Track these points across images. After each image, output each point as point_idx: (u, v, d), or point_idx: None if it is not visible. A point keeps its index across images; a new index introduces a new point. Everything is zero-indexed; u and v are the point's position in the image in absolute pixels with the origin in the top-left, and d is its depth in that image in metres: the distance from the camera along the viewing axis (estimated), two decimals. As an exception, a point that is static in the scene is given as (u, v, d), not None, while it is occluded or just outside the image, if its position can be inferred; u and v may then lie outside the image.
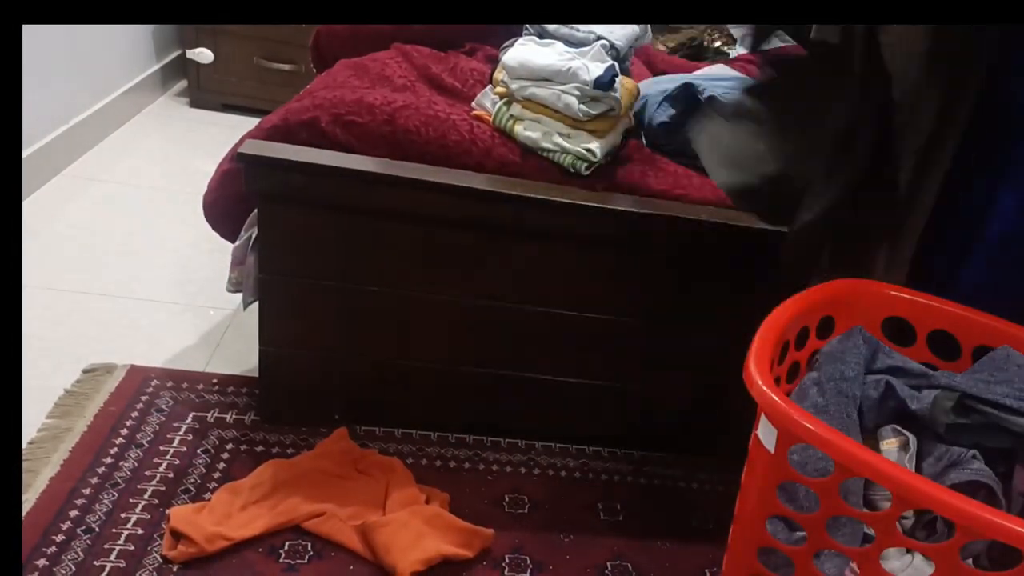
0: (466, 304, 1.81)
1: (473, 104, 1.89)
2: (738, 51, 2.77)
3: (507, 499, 1.82)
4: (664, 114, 1.89)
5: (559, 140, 1.74)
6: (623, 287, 1.83)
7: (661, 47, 2.68)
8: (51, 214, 2.62)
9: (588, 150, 1.73)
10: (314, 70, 2.36)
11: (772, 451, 1.18)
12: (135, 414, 1.85)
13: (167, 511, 1.61)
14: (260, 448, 1.83)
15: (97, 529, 1.57)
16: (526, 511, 1.80)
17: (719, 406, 1.95)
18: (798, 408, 1.11)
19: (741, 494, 1.30)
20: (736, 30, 2.89)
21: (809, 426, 1.09)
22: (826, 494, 1.15)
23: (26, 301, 2.17)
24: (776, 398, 1.13)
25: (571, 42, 1.84)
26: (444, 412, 1.96)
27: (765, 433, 1.19)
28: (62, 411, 1.83)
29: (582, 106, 1.70)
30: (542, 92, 1.73)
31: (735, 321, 1.78)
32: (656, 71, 2.42)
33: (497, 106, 1.80)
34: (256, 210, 1.77)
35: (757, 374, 1.17)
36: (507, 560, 1.67)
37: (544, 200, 1.69)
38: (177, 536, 1.56)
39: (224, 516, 1.61)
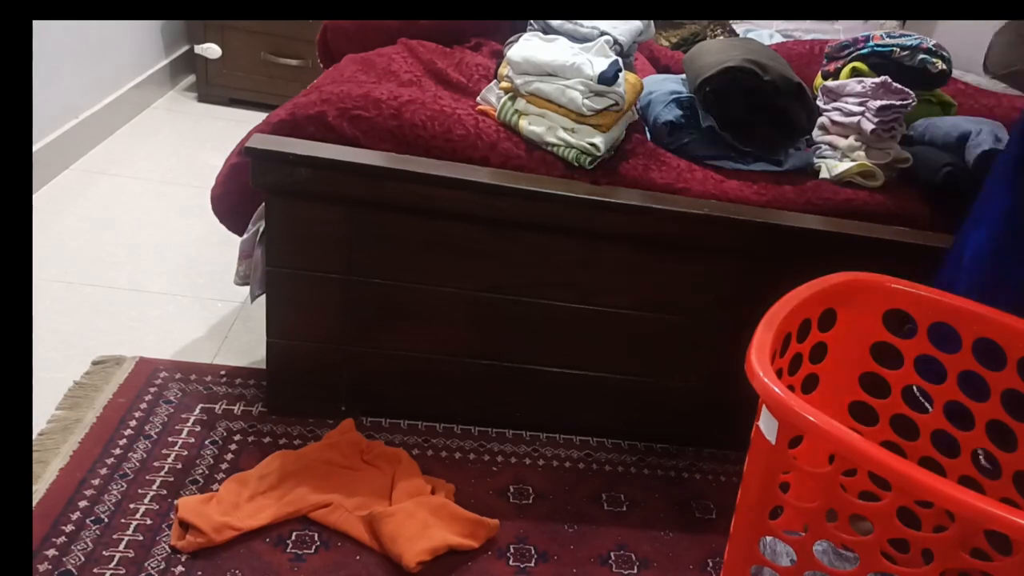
0: (471, 296, 1.82)
1: (478, 99, 1.90)
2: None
3: (512, 490, 1.84)
4: (671, 113, 1.90)
5: (563, 134, 1.75)
6: (626, 280, 1.84)
7: (664, 42, 2.69)
8: (61, 207, 2.64)
9: (592, 144, 1.73)
10: (321, 65, 2.37)
11: (773, 442, 1.19)
12: (144, 406, 1.87)
13: (175, 501, 1.63)
14: (267, 439, 1.85)
15: (106, 519, 1.58)
16: (531, 501, 1.82)
17: (723, 397, 1.96)
18: (799, 400, 1.12)
19: (743, 485, 1.31)
20: (739, 25, 2.90)
21: (810, 418, 1.10)
22: (826, 486, 1.16)
23: (36, 294, 2.19)
24: (777, 390, 1.14)
25: (575, 37, 1.86)
26: (449, 403, 1.97)
27: (766, 424, 1.20)
28: (72, 402, 1.85)
29: (586, 101, 1.71)
30: (546, 87, 1.74)
31: (737, 314, 1.80)
32: (659, 66, 2.43)
33: (502, 101, 1.81)
34: (264, 204, 1.78)
35: (758, 366, 1.18)
36: (512, 550, 1.69)
37: (548, 194, 1.70)
38: (185, 526, 1.57)
39: (232, 506, 1.63)
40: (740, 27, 2.93)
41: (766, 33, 2.88)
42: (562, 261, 1.81)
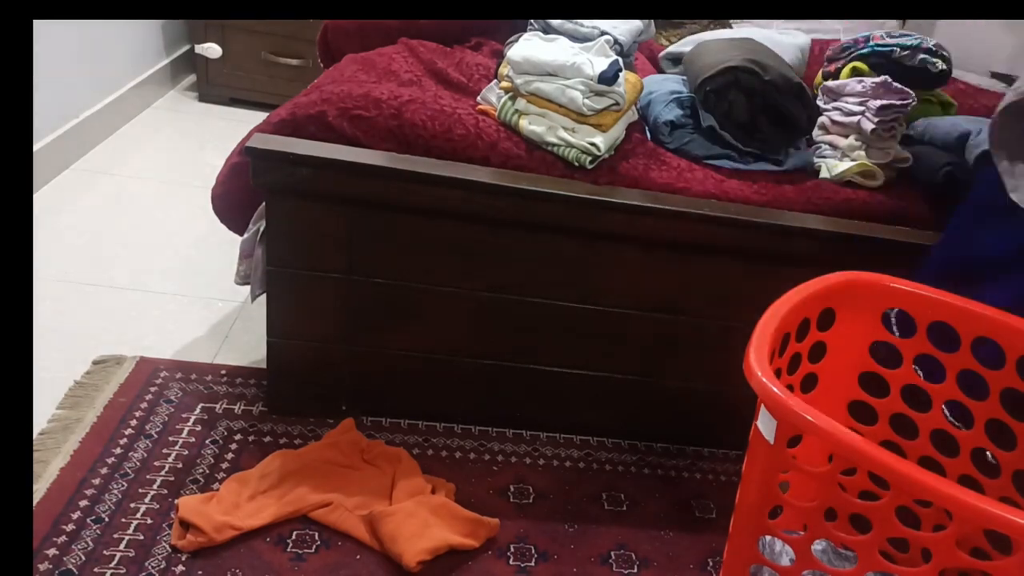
0: (471, 296, 1.83)
1: (478, 99, 1.90)
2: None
3: (512, 489, 1.84)
4: (671, 113, 1.91)
5: (563, 134, 1.75)
6: (626, 280, 1.84)
7: (664, 42, 2.69)
8: (61, 207, 2.64)
9: (592, 144, 1.74)
10: (321, 65, 2.37)
11: (772, 442, 1.19)
12: (144, 405, 1.87)
13: (176, 501, 1.63)
14: (268, 439, 1.85)
15: (107, 519, 1.59)
16: (531, 501, 1.82)
17: (723, 397, 1.96)
18: (798, 400, 1.13)
19: (742, 485, 1.31)
20: (739, 25, 2.89)
21: (808, 417, 1.10)
22: (825, 485, 1.16)
23: (37, 293, 2.19)
24: (776, 389, 1.14)
25: (575, 37, 1.86)
26: (450, 403, 1.98)
27: (765, 424, 1.20)
28: (72, 402, 1.85)
29: (586, 100, 1.71)
30: (547, 87, 1.74)
31: (737, 313, 1.81)
32: (659, 66, 2.43)
33: (502, 100, 1.81)
34: (264, 203, 1.78)
35: (757, 365, 1.18)
36: (512, 549, 1.69)
37: (548, 193, 1.70)
38: (186, 526, 1.58)
39: (232, 506, 1.63)
40: (741, 27, 2.93)
41: (761, 33, 2.88)
42: (562, 261, 1.81)
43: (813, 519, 1.20)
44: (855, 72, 2.06)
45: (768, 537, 1.48)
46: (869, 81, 1.93)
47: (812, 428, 1.10)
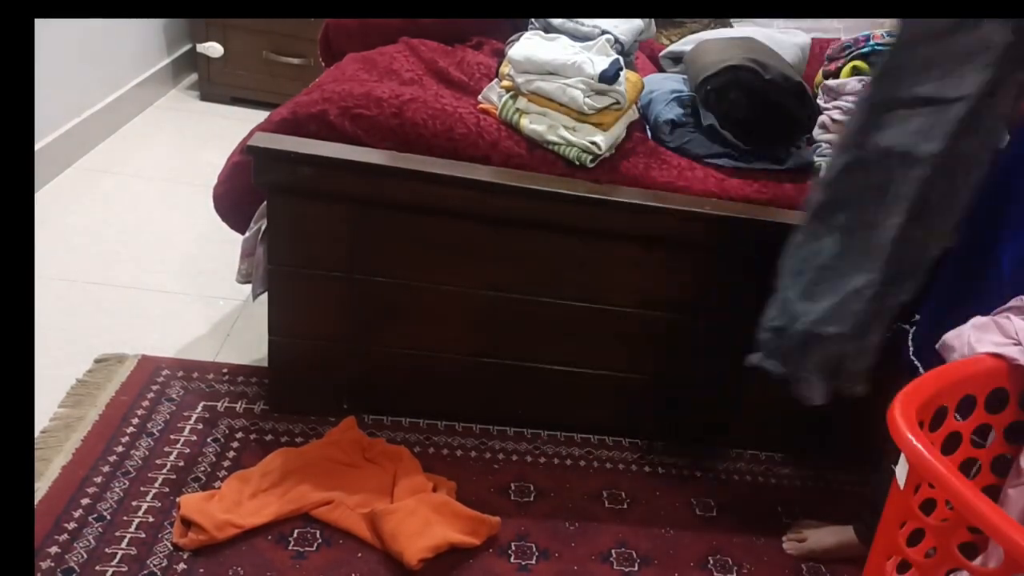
0: (472, 295, 1.83)
1: (480, 97, 1.90)
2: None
3: (513, 487, 1.84)
4: (672, 112, 1.91)
5: (564, 133, 1.75)
6: (626, 279, 1.84)
7: (665, 41, 2.69)
8: (63, 206, 2.64)
9: (593, 143, 1.74)
10: (323, 64, 2.37)
11: (902, 486, 1.17)
12: (146, 403, 1.88)
13: (177, 499, 1.63)
14: (269, 437, 1.86)
15: (108, 517, 1.59)
16: (532, 499, 1.82)
17: (722, 395, 1.96)
18: (932, 450, 1.09)
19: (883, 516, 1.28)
20: (755, 29, 2.89)
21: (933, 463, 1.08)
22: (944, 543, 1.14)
23: (39, 291, 2.19)
24: (912, 437, 1.12)
25: (576, 36, 1.86)
26: (451, 401, 1.98)
27: (900, 469, 1.18)
28: (74, 400, 1.85)
29: (587, 99, 1.71)
30: (547, 86, 1.74)
31: (738, 312, 1.80)
32: (660, 65, 2.43)
33: (503, 99, 1.81)
34: (265, 202, 1.78)
35: (901, 408, 1.16)
36: (513, 547, 1.69)
37: (549, 192, 1.70)
38: (187, 524, 1.58)
39: (234, 504, 1.63)
40: (742, 26, 2.93)
41: (762, 32, 2.88)
42: (563, 259, 1.81)
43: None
44: (855, 71, 2.05)
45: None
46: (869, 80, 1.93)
47: (936, 477, 1.08)
